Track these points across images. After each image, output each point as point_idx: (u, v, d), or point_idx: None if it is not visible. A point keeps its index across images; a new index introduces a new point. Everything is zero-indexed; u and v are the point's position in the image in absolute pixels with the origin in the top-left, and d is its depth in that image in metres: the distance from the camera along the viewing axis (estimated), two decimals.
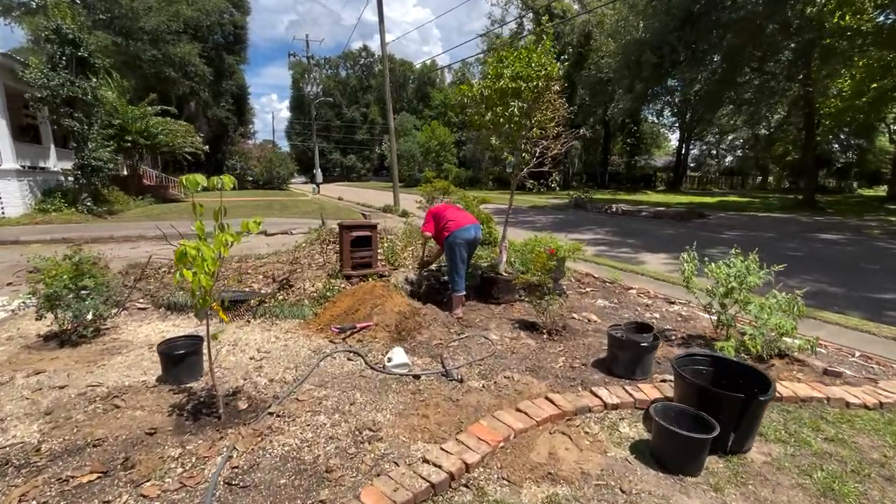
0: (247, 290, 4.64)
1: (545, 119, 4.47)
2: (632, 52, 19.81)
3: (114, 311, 4.10)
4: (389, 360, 3.02)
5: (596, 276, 5.88)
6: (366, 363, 3.11)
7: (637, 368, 2.83)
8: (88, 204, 12.64)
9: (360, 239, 5.07)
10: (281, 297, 4.29)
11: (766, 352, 3.12)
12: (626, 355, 2.83)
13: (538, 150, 4.55)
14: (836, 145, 35.73)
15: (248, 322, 3.95)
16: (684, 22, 16.89)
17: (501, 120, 4.19)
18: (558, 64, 4.22)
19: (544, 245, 5.03)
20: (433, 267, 5.28)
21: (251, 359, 3.21)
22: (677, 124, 38.57)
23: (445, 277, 4.88)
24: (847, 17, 16.84)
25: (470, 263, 4.56)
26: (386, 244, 6.08)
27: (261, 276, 5.02)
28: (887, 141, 34.17)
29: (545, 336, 3.68)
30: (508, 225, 4.91)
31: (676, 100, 34.67)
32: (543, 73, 4.07)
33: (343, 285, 4.72)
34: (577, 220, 15.43)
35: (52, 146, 14.34)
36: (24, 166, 12.50)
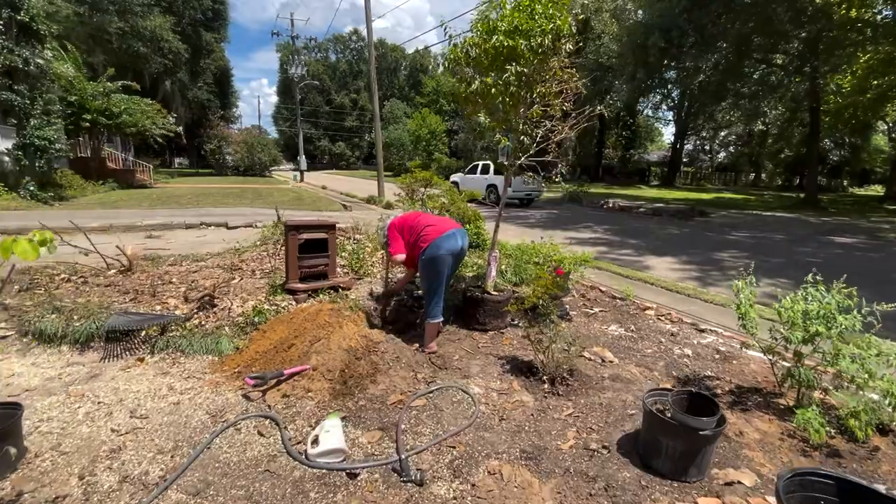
0: (158, 309, 3.55)
1: (550, 93, 3.42)
2: (637, 35, 18.69)
3: None
4: (315, 441, 1.99)
5: (603, 289, 4.89)
6: (282, 442, 2.08)
7: (691, 466, 1.84)
8: (31, 189, 11.30)
9: (312, 243, 4.01)
10: (195, 323, 3.23)
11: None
12: (675, 445, 1.84)
13: (540, 134, 3.51)
14: (831, 143, 35.25)
15: (143, 360, 2.89)
16: (694, 3, 15.82)
17: (493, 91, 3.14)
18: (570, 19, 3.16)
19: (544, 255, 4.02)
20: None
21: (114, 430, 2.16)
22: (674, 119, 37.72)
23: (419, 291, 3.85)
24: (853, 11, 16.06)
25: (452, 276, 3.54)
26: (350, 247, 5.02)
27: (184, 289, 3.93)
28: (885, 140, 33.77)
29: (546, 387, 2.68)
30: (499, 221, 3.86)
31: (674, 93, 33.76)
32: (551, 27, 3.01)
33: (286, 303, 3.68)
34: (573, 216, 14.46)
35: None
36: None
